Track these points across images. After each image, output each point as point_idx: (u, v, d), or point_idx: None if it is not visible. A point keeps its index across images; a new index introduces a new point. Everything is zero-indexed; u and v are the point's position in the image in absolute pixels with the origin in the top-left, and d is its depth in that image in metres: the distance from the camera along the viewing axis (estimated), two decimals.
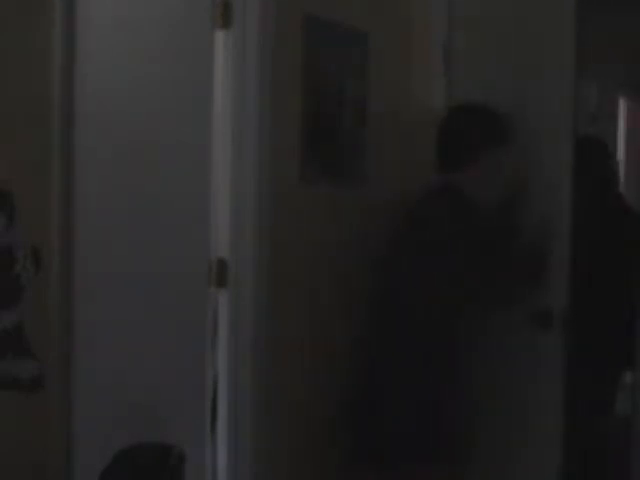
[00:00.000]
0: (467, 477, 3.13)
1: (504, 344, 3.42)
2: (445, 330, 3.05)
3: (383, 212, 3.71)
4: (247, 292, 3.05)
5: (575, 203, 3.40)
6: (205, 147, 3.08)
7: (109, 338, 3.12)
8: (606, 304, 3.91)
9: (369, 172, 3.57)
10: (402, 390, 3.03)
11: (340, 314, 3.45)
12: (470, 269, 3.01)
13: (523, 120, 3.52)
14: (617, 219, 4.09)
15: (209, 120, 3.08)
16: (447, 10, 3.76)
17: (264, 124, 3.03)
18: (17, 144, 2.67)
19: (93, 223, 3.05)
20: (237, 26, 3.02)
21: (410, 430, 2.99)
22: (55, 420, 2.88)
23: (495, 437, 3.45)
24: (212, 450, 3.12)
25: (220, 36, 3.06)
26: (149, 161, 3.12)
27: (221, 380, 3.10)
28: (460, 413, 3.08)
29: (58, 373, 2.87)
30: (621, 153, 6.58)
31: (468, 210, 3.11)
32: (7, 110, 2.64)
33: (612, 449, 3.63)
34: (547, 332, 3.35)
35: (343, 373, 3.37)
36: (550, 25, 3.52)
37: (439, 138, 3.25)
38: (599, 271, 3.88)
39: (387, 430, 3.03)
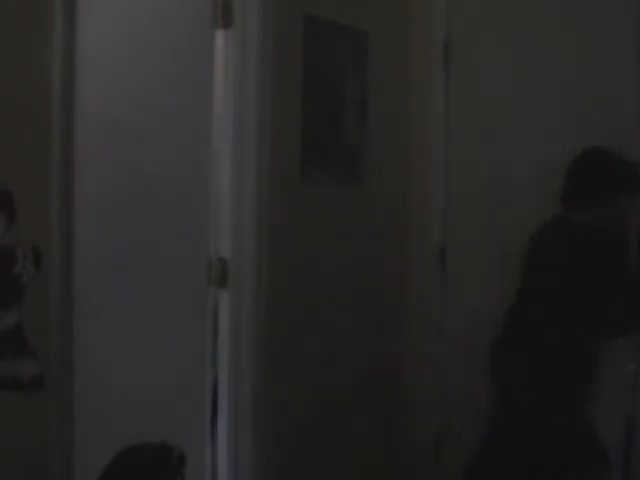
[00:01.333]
0: None
1: None
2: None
3: (382, 212, 3.72)
4: (247, 292, 3.05)
5: None
6: (205, 147, 3.08)
7: (109, 338, 3.13)
8: None
9: (369, 172, 3.57)
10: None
11: (340, 313, 3.45)
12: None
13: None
14: None
15: (209, 120, 3.08)
16: (447, 10, 3.75)
17: (264, 124, 3.03)
18: (17, 144, 2.67)
19: (93, 223, 3.06)
20: (237, 26, 3.02)
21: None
22: (55, 420, 2.87)
23: None
24: (212, 450, 3.11)
25: (220, 36, 3.06)
26: (149, 161, 3.12)
27: (221, 380, 3.10)
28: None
29: (58, 373, 2.87)
30: None
31: (583, 239, 3.17)
32: (7, 110, 2.64)
33: None
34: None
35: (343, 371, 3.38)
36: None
37: (569, 176, 3.29)
38: None
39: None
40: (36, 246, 2.70)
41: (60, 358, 2.89)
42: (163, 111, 3.08)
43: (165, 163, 3.11)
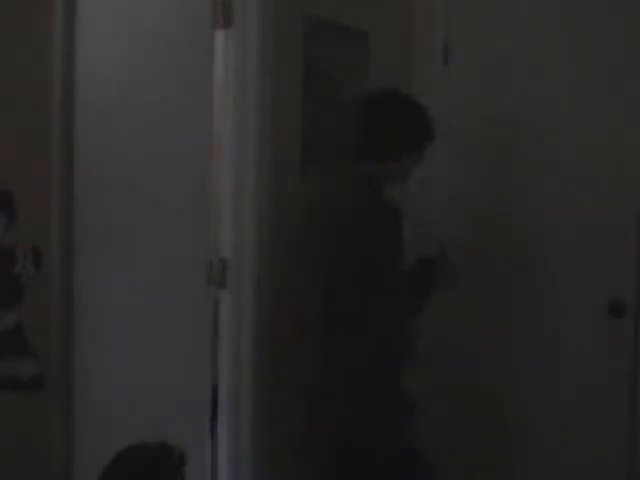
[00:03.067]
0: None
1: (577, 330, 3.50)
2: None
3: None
4: (247, 292, 3.05)
5: None
6: (205, 147, 3.08)
7: (109, 338, 3.13)
8: None
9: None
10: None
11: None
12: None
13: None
14: None
15: (209, 120, 3.08)
16: (447, 10, 3.76)
17: (264, 124, 3.04)
18: (17, 144, 2.67)
19: (93, 223, 3.06)
20: (237, 26, 3.02)
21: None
22: (55, 420, 2.88)
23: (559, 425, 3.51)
24: (212, 450, 3.12)
25: (220, 36, 3.06)
26: (149, 161, 3.12)
27: (221, 380, 3.10)
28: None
29: (58, 373, 2.88)
30: None
31: (386, 203, 2.96)
32: (7, 110, 2.64)
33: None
34: (619, 321, 3.41)
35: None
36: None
37: (368, 124, 3.02)
38: None
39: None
40: (36, 246, 2.71)
41: (60, 358, 2.89)
42: (163, 111, 3.08)
43: (165, 163, 3.11)
